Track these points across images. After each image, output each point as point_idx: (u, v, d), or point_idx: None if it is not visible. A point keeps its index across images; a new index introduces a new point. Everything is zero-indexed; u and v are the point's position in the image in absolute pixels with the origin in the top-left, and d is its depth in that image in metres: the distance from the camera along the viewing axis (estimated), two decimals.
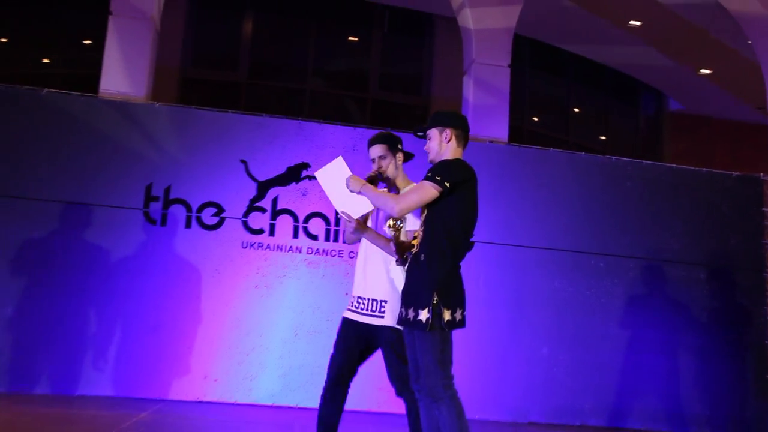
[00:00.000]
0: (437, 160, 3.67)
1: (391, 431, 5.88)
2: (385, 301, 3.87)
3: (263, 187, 7.71)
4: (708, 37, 11.10)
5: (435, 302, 3.39)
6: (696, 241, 8.38)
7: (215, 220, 7.59)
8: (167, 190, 7.54)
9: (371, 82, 11.61)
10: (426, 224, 3.54)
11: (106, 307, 7.28)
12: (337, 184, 3.69)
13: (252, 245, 7.59)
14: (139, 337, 7.17)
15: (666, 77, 12.75)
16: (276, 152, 7.78)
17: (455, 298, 3.53)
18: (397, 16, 11.46)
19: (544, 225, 8.08)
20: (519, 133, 10.37)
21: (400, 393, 3.99)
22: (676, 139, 13.64)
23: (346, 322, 4.04)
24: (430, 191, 3.47)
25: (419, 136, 3.74)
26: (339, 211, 3.76)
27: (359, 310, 3.96)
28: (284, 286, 7.58)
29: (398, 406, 7.34)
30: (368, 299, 3.93)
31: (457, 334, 3.65)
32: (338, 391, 4.00)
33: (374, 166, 4.02)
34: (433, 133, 3.69)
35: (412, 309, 3.41)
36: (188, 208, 7.57)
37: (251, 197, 7.67)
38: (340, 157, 3.72)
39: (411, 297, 3.46)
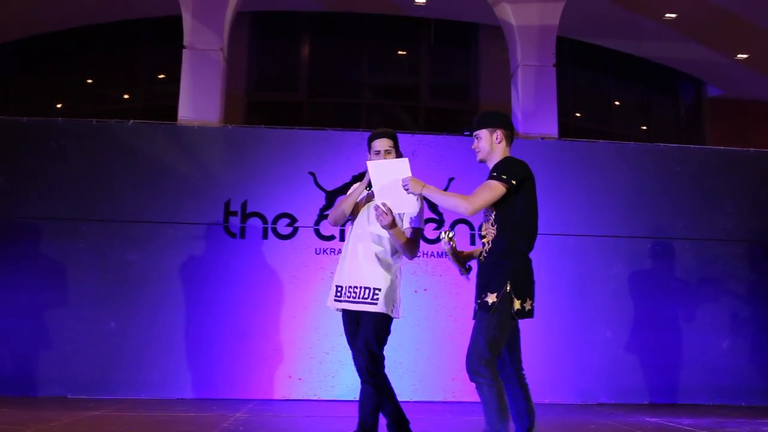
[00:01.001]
0: (488, 159, 3.58)
1: (465, 419, 5.75)
2: (379, 289, 3.75)
3: (331, 196, 7.70)
4: (742, 22, 10.69)
5: (507, 290, 3.32)
6: (747, 219, 8.08)
7: (289, 230, 7.60)
8: (244, 205, 7.59)
9: (422, 92, 11.52)
10: (497, 222, 3.44)
11: (196, 317, 7.36)
12: (388, 179, 3.53)
13: (324, 251, 7.58)
14: (228, 342, 7.23)
15: (703, 65, 12.32)
16: (341, 163, 7.76)
17: (526, 288, 3.43)
18: (443, 28, 11.34)
19: (599, 213, 7.88)
20: (565, 129, 10.12)
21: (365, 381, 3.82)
22: (716, 125, 13.18)
23: (347, 315, 3.93)
24: (499, 189, 3.39)
25: (467, 136, 3.70)
26: (380, 203, 3.60)
27: (353, 298, 3.82)
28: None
29: (473, 395, 7.25)
30: (361, 287, 3.78)
31: (527, 322, 3.53)
32: None
33: (378, 159, 3.87)
34: (484, 133, 3.57)
35: (483, 294, 3.34)
36: (264, 220, 7.61)
37: (321, 206, 7.67)
38: (407, 159, 3.60)
39: (483, 285, 3.38)
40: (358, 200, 3.95)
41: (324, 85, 11.60)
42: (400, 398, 4.04)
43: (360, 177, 7.67)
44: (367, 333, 3.72)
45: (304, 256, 7.57)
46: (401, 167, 3.50)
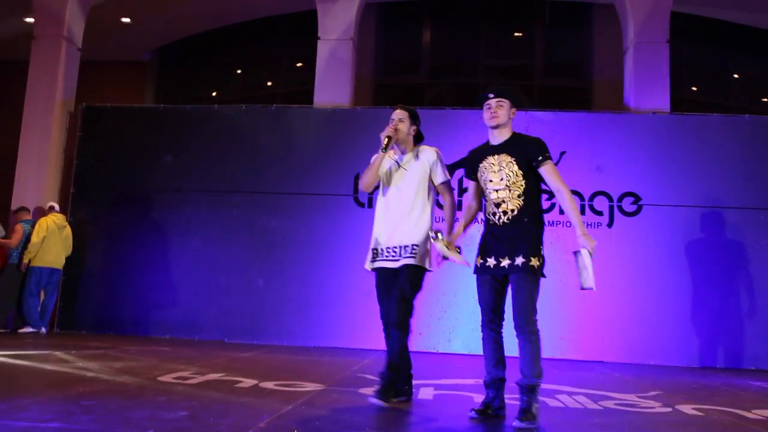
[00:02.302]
0: (501, 126, 3.41)
1: (574, 374, 5.65)
2: (417, 245, 3.67)
3: (451, 170, 7.68)
4: None
5: (543, 254, 3.30)
6: None
7: None
8: None
9: (536, 71, 11.18)
10: (525, 194, 3.31)
11: (330, 277, 7.66)
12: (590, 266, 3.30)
13: (441, 219, 7.60)
14: (356, 300, 7.46)
15: None
16: (459, 139, 7.72)
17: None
18: (557, 9, 10.92)
19: (710, 185, 7.41)
20: (679, 103, 9.50)
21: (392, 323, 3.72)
22: None
23: (384, 273, 3.81)
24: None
25: (494, 95, 3.41)
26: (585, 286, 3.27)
27: (393, 257, 3.73)
28: (471, 254, 7.52)
29: (578, 353, 7.12)
30: (400, 246, 3.70)
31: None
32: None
33: (392, 124, 3.80)
34: (507, 103, 3.41)
35: (534, 258, 3.23)
36: None
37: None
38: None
39: (517, 249, 3.25)
40: (382, 168, 3.87)
41: (443, 67, 11.52)
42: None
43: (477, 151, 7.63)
44: (403, 283, 3.66)
45: None
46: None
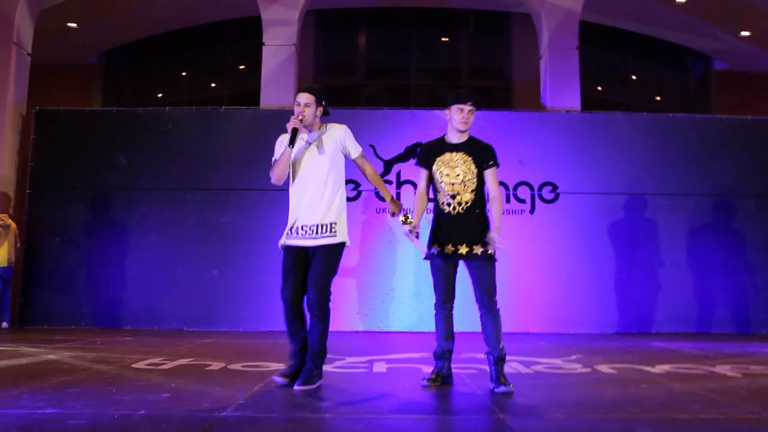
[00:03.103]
0: (465, 132, 3.57)
1: (506, 345, 6.00)
2: (335, 223, 3.54)
3: (389, 165, 7.93)
4: (745, 3, 10.34)
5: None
6: (747, 178, 8.01)
7: (354, 193, 7.87)
8: None
9: (462, 73, 11.56)
10: (477, 190, 3.53)
11: (277, 266, 7.57)
12: None
13: (383, 210, 7.82)
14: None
15: (711, 41, 11.94)
16: (395, 136, 7.96)
17: None
18: (480, 17, 11.31)
19: (618, 174, 7.93)
20: (588, 103, 10.05)
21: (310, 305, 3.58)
22: (722, 96, 12.73)
23: (295, 251, 3.59)
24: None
25: (471, 103, 3.48)
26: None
27: (310, 235, 3.54)
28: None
29: (510, 326, 7.51)
30: (317, 225, 3.53)
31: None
32: (302, 312, 3.66)
33: (297, 111, 3.54)
34: (475, 111, 3.54)
35: (483, 247, 3.43)
36: None
37: (380, 173, 7.90)
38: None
39: (476, 237, 3.44)
40: (289, 158, 3.60)
41: (378, 69, 11.73)
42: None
43: (411, 147, 7.88)
44: (323, 264, 3.53)
45: (366, 214, 7.87)
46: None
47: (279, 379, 3.53)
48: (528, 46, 10.45)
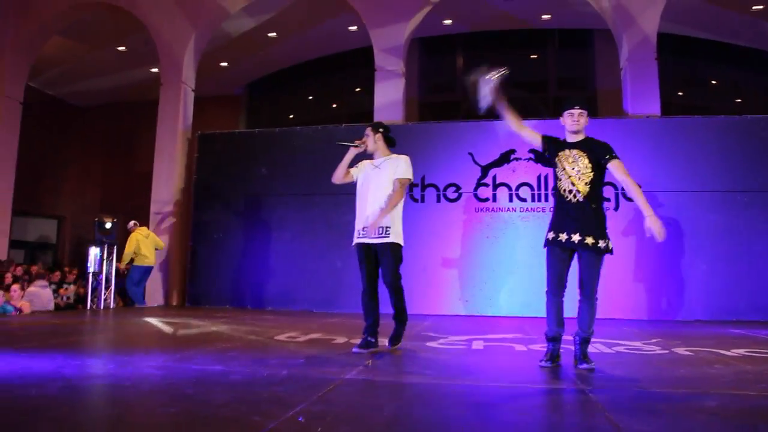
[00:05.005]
0: (580, 132, 3.44)
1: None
2: (389, 227, 3.86)
3: (485, 170, 7.92)
4: None
5: (607, 235, 3.36)
6: None
7: (455, 195, 7.95)
8: (423, 179, 8.03)
9: (550, 85, 11.25)
10: (592, 184, 3.36)
11: None
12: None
13: (481, 209, 7.85)
14: (415, 274, 7.71)
15: None
16: (491, 144, 7.94)
17: None
18: (564, 35, 10.97)
19: (697, 173, 7.43)
20: (668, 108, 9.39)
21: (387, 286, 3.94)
22: None
23: (364, 247, 3.92)
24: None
25: (579, 106, 3.40)
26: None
27: (371, 236, 3.85)
28: (506, 235, 7.75)
29: None
30: (381, 227, 3.85)
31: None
32: (376, 296, 4.00)
33: (364, 139, 4.03)
34: (586, 114, 3.45)
35: (601, 240, 3.31)
36: (437, 189, 8.01)
37: (478, 177, 7.92)
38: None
39: (598, 232, 3.32)
40: (364, 170, 4.07)
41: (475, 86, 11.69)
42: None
43: (506, 154, 7.82)
44: (391, 257, 3.88)
45: (467, 213, 7.91)
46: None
47: (356, 349, 3.88)
48: (609, 57, 9.98)
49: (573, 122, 3.45)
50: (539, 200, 7.71)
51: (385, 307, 4.06)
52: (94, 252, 7.83)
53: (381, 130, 4.11)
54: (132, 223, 8.39)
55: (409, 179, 4.04)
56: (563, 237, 3.36)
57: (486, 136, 7.97)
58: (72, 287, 9.26)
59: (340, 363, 3.40)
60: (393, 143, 4.15)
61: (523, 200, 7.78)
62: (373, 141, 4.05)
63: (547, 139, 3.56)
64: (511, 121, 3.61)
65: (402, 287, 4.02)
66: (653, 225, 3.18)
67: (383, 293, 3.98)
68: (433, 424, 2.09)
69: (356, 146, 4.03)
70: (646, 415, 2.22)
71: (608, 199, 7.56)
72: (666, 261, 7.31)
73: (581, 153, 3.42)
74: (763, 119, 7.60)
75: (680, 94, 11.11)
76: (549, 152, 3.54)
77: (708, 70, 11.40)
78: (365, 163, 4.11)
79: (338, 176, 4.15)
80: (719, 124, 7.62)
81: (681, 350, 4.14)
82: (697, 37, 10.74)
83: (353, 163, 4.15)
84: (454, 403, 2.48)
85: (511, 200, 7.79)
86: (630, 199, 7.47)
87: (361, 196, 4.04)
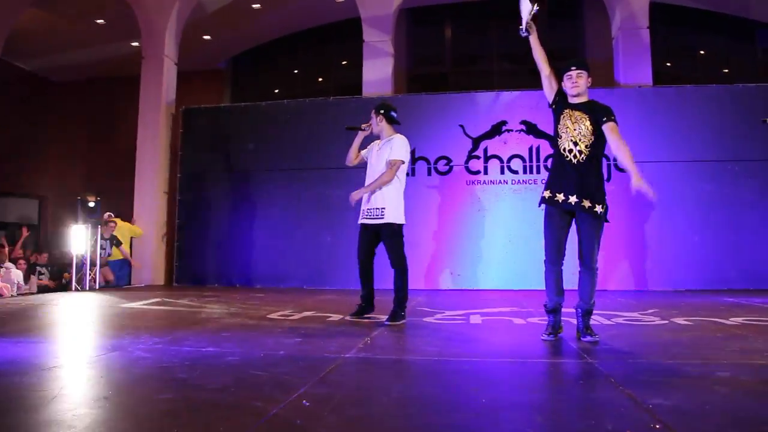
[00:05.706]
0: (582, 94, 3.31)
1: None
2: (384, 208, 4.01)
3: (476, 142, 7.77)
4: None
5: (605, 201, 3.23)
6: None
7: (446, 168, 7.81)
8: (413, 152, 7.80)
9: None
10: (592, 146, 3.22)
11: None
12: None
13: (473, 182, 7.73)
14: (407, 248, 7.61)
15: None
16: (482, 116, 7.78)
17: None
18: (555, 4, 10.72)
19: (688, 142, 7.36)
20: (658, 77, 9.26)
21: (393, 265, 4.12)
22: None
23: (363, 227, 4.16)
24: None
25: (575, 67, 3.29)
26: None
27: (371, 216, 4.06)
28: (498, 208, 7.65)
29: None
30: (373, 208, 4.04)
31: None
32: (370, 270, 4.21)
33: (369, 122, 4.20)
34: (585, 74, 3.31)
35: (599, 205, 3.18)
36: (428, 162, 7.86)
37: (469, 149, 7.78)
38: None
39: (597, 195, 3.20)
40: (369, 151, 4.24)
41: (463, 57, 11.44)
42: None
43: (497, 125, 7.66)
44: (390, 236, 4.05)
45: (458, 186, 7.78)
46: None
47: (350, 318, 4.15)
48: (600, 27, 9.79)
49: (572, 84, 3.32)
50: (531, 172, 7.60)
51: (385, 284, 3.97)
52: (77, 231, 7.56)
53: (382, 111, 4.16)
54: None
55: (400, 160, 4.05)
56: (560, 197, 3.24)
57: (477, 108, 7.81)
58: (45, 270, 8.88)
59: (338, 341, 3.28)
60: (395, 122, 4.20)
61: (515, 172, 7.66)
62: (376, 123, 4.16)
63: (559, 92, 3.41)
64: (538, 55, 3.48)
65: (407, 268, 4.13)
66: (640, 184, 3.03)
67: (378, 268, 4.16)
68: (443, 405, 1.98)
69: (363, 129, 4.19)
70: (662, 388, 2.13)
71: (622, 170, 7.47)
72: (657, 231, 7.27)
73: (583, 115, 3.29)
74: (754, 88, 7.51)
75: (668, 64, 10.98)
76: (556, 105, 3.40)
77: (696, 40, 11.25)
78: (373, 144, 4.25)
79: (350, 159, 4.36)
80: (710, 93, 7.53)
81: (680, 320, 4.09)
82: (685, 6, 10.56)
83: (364, 145, 4.31)
84: (461, 380, 2.37)
85: (502, 172, 7.66)
86: (622, 170, 7.40)
87: (367, 177, 4.20)
